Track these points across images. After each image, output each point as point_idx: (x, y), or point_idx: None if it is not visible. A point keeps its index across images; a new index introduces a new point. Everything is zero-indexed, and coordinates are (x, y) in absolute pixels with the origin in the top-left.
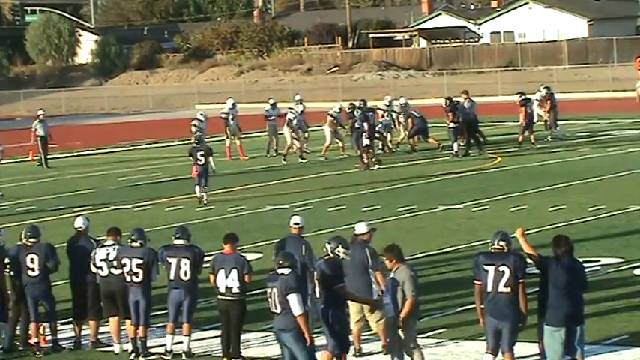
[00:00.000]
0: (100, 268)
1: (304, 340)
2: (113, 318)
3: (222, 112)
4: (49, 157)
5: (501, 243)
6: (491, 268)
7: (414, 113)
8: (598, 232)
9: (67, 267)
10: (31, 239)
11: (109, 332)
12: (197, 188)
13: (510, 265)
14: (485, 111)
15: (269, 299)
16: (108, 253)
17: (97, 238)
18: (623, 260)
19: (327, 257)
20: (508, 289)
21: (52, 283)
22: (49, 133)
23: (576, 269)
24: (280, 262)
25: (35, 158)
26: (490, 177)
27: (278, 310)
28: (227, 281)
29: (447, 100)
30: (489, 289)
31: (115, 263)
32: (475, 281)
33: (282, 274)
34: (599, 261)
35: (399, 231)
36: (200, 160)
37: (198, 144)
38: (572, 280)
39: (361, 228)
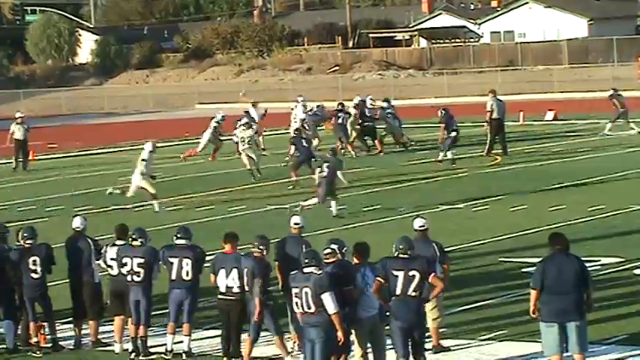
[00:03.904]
0: (110, 267)
1: (333, 337)
2: (118, 317)
3: (215, 122)
4: (29, 159)
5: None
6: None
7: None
8: (598, 232)
9: (67, 267)
10: (29, 241)
11: (109, 332)
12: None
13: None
14: (484, 110)
15: (297, 299)
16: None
17: (96, 238)
18: (623, 260)
19: (334, 259)
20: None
21: (53, 283)
22: (27, 136)
23: (569, 266)
24: (307, 261)
25: (36, 158)
26: (490, 177)
27: (312, 310)
28: (228, 281)
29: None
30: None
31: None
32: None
33: (311, 273)
34: (599, 261)
35: (399, 231)
36: None
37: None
38: (562, 276)
39: (419, 222)
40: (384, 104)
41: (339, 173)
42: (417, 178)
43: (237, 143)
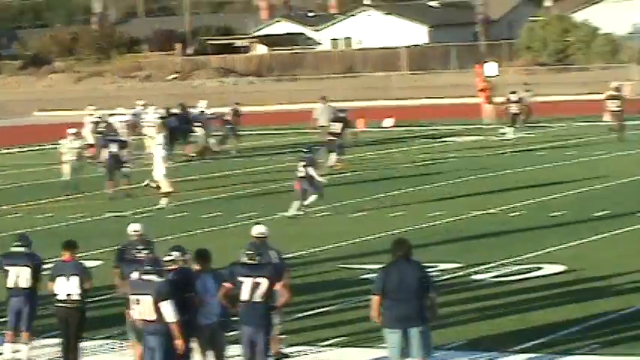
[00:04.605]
0: None
1: (173, 346)
2: None
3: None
4: None
5: None
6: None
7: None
8: (437, 238)
9: None
10: None
11: None
12: None
13: None
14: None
15: (137, 306)
16: None
17: None
18: (461, 265)
19: (175, 266)
20: None
21: None
22: None
23: (410, 272)
24: (147, 268)
25: None
26: (331, 183)
27: (152, 318)
28: (66, 289)
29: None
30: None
31: None
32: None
33: (152, 280)
34: (437, 266)
35: (238, 237)
36: None
37: None
38: (404, 283)
39: (259, 229)
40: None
41: (311, 169)
42: (259, 184)
43: (62, 153)
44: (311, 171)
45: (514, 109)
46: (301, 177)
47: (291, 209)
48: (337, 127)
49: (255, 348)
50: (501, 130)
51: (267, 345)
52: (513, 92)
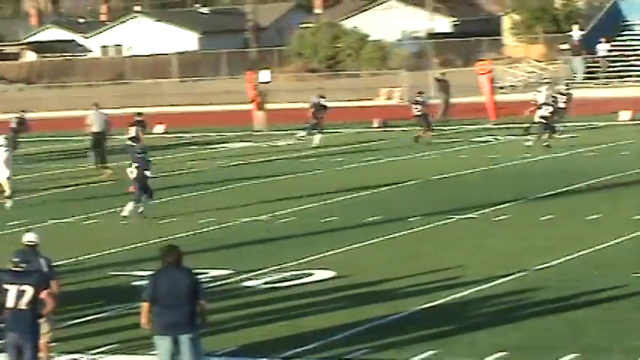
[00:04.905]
0: None
1: None
2: None
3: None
4: None
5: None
6: None
7: None
8: (208, 245)
9: None
10: None
11: None
12: None
13: None
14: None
15: None
16: None
17: None
18: (232, 272)
19: None
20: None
21: None
22: None
23: (180, 279)
24: None
25: None
26: (100, 190)
27: None
28: None
29: None
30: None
31: None
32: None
33: None
34: (208, 273)
35: (9, 245)
36: None
37: None
38: (174, 289)
39: (29, 237)
40: None
41: (146, 171)
42: (30, 192)
43: None
44: (147, 173)
45: (320, 114)
46: (134, 179)
47: (125, 209)
48: (133, 131)
49: (21, 355)
50: (301, 134)
51: (34, 352)
52: (323, 97)
